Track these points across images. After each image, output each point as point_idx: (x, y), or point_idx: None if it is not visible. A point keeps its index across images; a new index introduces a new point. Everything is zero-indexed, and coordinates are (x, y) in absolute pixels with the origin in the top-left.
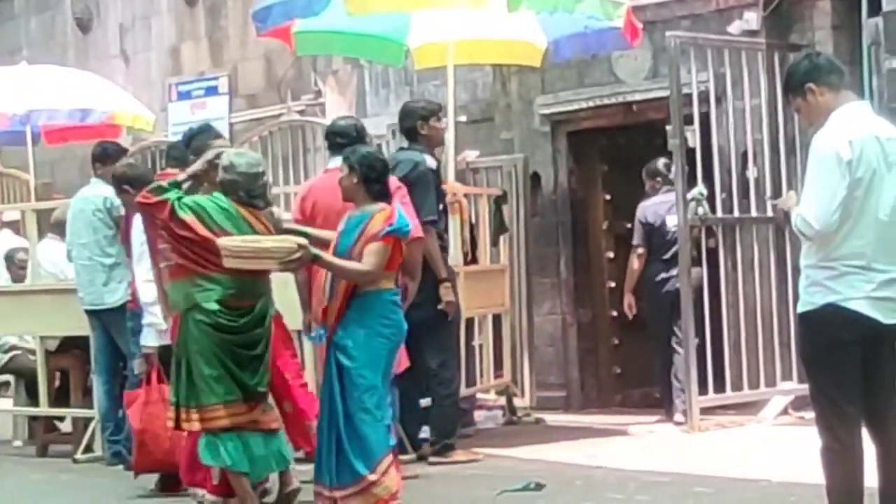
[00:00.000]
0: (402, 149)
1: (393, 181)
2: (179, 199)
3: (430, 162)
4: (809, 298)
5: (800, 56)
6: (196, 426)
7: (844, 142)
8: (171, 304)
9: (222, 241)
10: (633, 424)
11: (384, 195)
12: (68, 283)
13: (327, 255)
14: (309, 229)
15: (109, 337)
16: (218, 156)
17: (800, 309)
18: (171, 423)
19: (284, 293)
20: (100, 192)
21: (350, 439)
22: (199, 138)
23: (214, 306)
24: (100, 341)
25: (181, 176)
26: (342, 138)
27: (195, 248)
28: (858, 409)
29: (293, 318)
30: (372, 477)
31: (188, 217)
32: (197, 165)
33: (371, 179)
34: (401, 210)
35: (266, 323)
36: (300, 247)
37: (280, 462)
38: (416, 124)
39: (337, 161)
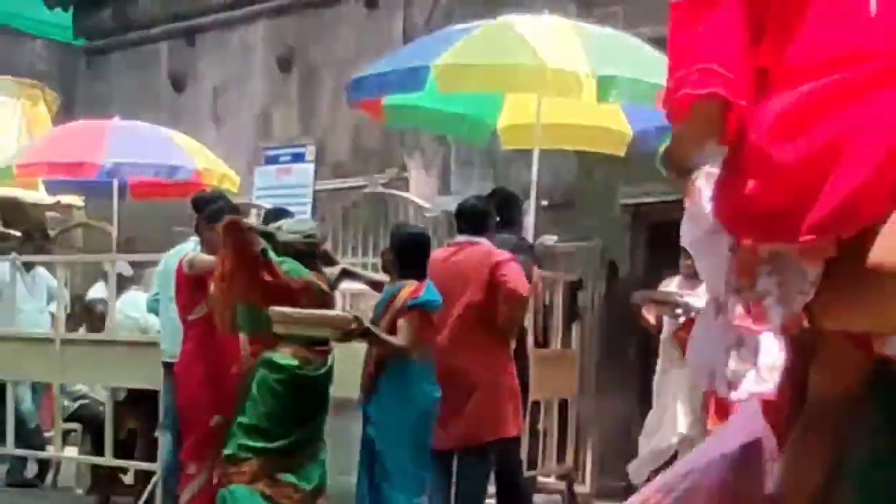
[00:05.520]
0: (505, 233)
1: (503, 254)
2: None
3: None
4: None
5: None
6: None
7: None
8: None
9: (275, 309)
10: None
11: (413, 273)
12: (147, 336)
13: (376, 329)
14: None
15: None
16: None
17: None
18: None
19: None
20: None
21: None
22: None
23: (293, 361)
24: (172, 395)
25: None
26: (471, 218)
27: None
28: None
29: None
30: None
31: (274, 260)
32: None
33: (402, 258)
34: (431, 286)
35: (331, 381)
36: (356, 318)
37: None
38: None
39: (459, 238)
